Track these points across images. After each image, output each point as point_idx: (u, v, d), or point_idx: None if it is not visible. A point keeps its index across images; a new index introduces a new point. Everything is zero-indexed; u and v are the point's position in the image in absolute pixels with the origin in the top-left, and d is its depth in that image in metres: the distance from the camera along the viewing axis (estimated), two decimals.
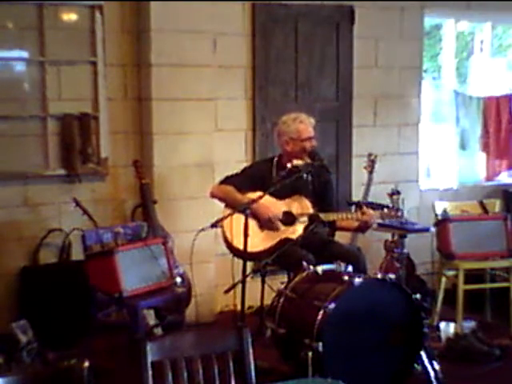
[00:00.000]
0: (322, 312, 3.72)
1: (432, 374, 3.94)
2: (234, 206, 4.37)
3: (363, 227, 4.53)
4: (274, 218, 4.45)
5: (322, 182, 4.67)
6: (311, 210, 4.47)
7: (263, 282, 4.42)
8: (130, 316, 4.51)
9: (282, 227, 4.48)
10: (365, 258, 4.65)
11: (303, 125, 4.56)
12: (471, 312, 5.28)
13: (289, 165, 4.45)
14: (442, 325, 5.12)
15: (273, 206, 4.46)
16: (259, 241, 4.43)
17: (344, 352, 3.77)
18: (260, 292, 4.44)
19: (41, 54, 4.95)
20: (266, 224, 4.48)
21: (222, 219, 4.24)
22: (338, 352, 3.74)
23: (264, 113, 5.63)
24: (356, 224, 4.51)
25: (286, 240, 4.40)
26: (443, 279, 5.30)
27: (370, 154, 5.49)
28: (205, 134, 5.31)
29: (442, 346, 4.67)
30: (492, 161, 6.83)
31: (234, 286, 4.02)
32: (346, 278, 3.86)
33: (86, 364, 2.32)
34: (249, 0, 5.50)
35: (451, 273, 5.31)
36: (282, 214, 4.49)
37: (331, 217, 4.48)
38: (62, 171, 5.06)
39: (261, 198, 4.24)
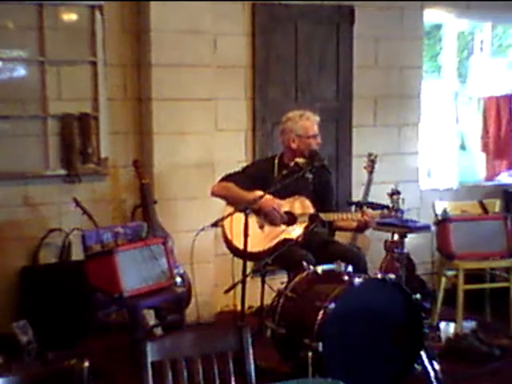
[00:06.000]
0: (321, 312, 3.72)
1: (432, 373, 3.93)
2: (235, 203, 4.36)
3: (362, 227, 4.53)
4: (277, 208, 4.43)
5: (323, 181, 4.66)
6: (312, 210, 4.47)
7: (263, 282, 4.42)
8: (130, 316, 4.51)
9: (283, 226, 4.48)
10: (365, 258, 4.65)
11: (309, 122, 4.56)
12: (471, 312, 5.28)
13: (291, 163, 4.45)
14: (442, 325, 5.13)
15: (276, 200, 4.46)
16: (259, 241, 4.43)
17: (344, 352, 3.77)
18: (260, 292, 4.44)
19: (41, 54, 4.95)
20: (269, 216, 4.45)
21: (222, 219, 4.24)
22: (337, 352, 3.74)
23: (264, 113, 5.63)
24: (355, 224, 4.51)
25: (286, 240, 4.40)
26: (443, 279, 5.30)
27: (370, 154, 5.49)
28: (205, 134, 5.31)
29: (441, 346, 4.67)
30: (492, 161, 6.83)
31: (234, 286, 4.02)
32: (346, 278, 3.85)
33: (86, 364, 2.31)
34: (249, 0, 5.50)
35: (451, 273, 5.30)
36: (283, 213, 4.49)
37: (331, 217, 4.48)
38: (62, 171, 5.06)
39: (261, 197, 4.24)
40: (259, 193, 4.31)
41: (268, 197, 4.33)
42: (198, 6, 5.13)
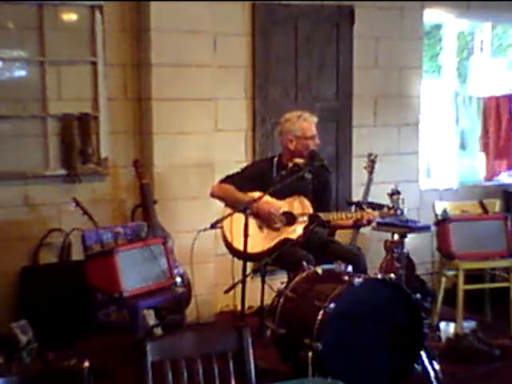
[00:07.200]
0: (322, 312, 3.72)
1: (432, 373, 3.93)
2: (234, 206, 4.37)
3: (359, 224, 4.52)
4: (275, 212, 4.44)
5: (322, 181, 4.66)
6: (311, 210, 4.47)
7: (263, 281, 4.42)
8: (130, 316, 4.51)
9: (282, 226, 4.48)
10: (365, 258, 4.65)
11: (307, 123, 4.56)
12: (471, 312, 5.28)
13: (290, 163, 4.45)
14: (442, 325, 5.13)
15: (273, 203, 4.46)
16: (259, 241, 4.43)
17: (344, 352, 3.77)
18: (260, 292, 4.44)
19: (41, 54, 4.95)
20: (267, 219, 4.46)
21: (221, 219, 4.24)
22: (337, 352, 3.74)
23: (264, 113, 5.63)
24: (351, 221, 4.50)
25: (286, 240, 4.40)
26: (443, 279, 5.30)
27: (370, 154, 5.49)
28: (205, 134, 5.31)
29: (441, 346, 4.67)
30: (492, 161, 6.83)
31: (233, 286, 4.02)
32: (346, 278, 3.85)
33: (86, 364, 2.31)
34: (249, 0, 5.50)
35: (451, 273, 5.31)
36: (282, 214, 4.49)
37: (331, 216, 4.48)
38: (62, 171, 5.06)
39: (261, 198, 4.24)
40: (257, 195, 4.31)
41: (265, 200, 4.32)
42: (198, 5, 5.13)
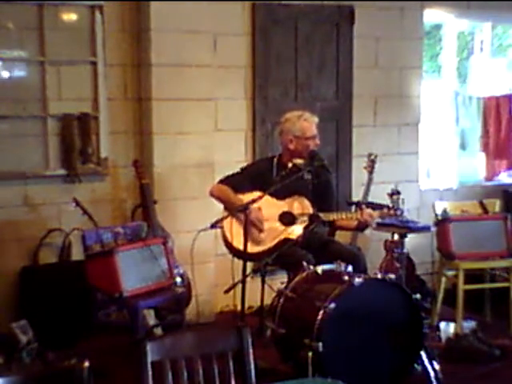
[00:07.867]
0: (322, 312, 3.72)
1: (432, 373, 3.93)
2: (228, 207, 4.38)
3: (362, 226, 4.53)
4: (258, 224, 4.42)
5: (323, 182, 4.66)
6: (311, 210, 4.47)
7: (263, 281, 4.42)
8: (130, 316, 4.51)
9: (281, 227, 4.48)
10: (365, 258, 4.65)
11: (307, 123, 4.55)
12: (471, 312, 5.28)
13: (290, 164, 4.45)
14: (442, 325, 5.13)
15: (272, 206, 4.45)
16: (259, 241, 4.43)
17: (344, 352, 3.77)
18: (260, 292, 4.44)
19: (41, 54, 4.95)
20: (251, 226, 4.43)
21: (221, 219, 4.25)
22: (337, 352, 3.74)
23: (264, 113, 5.63)
24: (355, 223, 4.51)
25: (286, 240, 4.40)
26: (443, 279, 5.30)
27: (370, 154, 5.49)
28: (205, 134, 5.31)
29: (441, 346, 4.67)
30: (492, 161, 6.83)
31: (233, 286, 4.02)
32: (346, 277, 3.86)
33: (86, 364, 2.31)
34: (249, 0, 5.50)
35: (451, 273, 5.31)
36: (282, 214, 4.49)
37: (331, 217, 4.47)
38: (62, 171, 5.06)
39: (261, 198, 4.24)
40: (256, 195, 4.29)
41: (256, 208, 4.31)
42: (198, 5, 5.13)
